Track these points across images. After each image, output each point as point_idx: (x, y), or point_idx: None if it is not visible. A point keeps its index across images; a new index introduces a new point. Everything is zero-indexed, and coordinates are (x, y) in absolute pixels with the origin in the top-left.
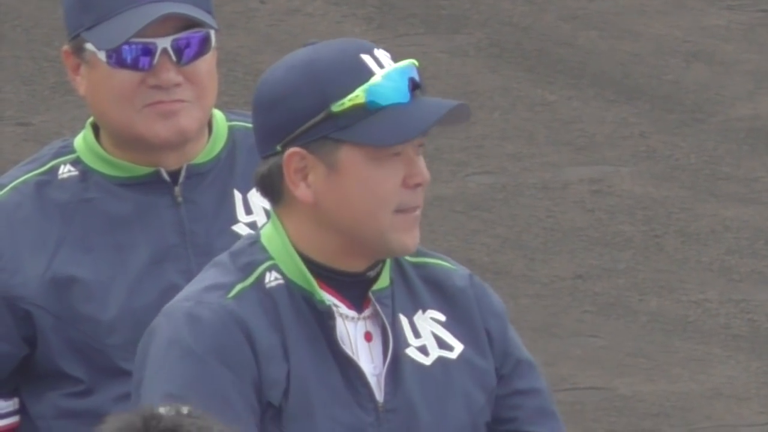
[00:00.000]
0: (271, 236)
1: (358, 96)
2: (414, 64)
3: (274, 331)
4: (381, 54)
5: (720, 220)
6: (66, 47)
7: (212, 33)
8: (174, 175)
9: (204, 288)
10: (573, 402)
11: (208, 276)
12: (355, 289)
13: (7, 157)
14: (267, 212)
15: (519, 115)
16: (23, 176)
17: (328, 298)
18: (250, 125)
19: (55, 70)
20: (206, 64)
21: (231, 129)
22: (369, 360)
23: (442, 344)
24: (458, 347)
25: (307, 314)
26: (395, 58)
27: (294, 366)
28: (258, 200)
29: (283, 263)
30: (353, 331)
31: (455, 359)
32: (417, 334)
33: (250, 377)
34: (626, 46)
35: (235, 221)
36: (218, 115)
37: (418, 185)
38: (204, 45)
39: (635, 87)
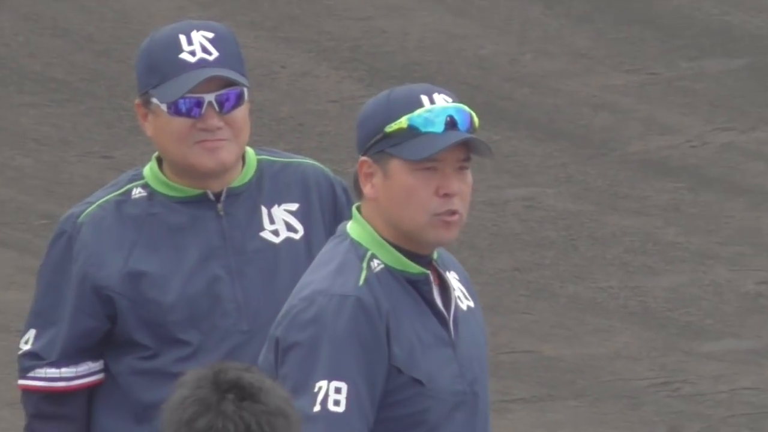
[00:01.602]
0: (359, 232)
1: (401, 122)
2: (462, 107)
3: (390, 306)
4: (438, 96)
5: (620, 228)
6: (137, 100)
7: (245, 90)
8: (217, 195)
9: (333, 283)
10: (512, 362)
11: (327, 274)
12: (424, 263)
13: (94, 182)
14: (286, 222)
15: None
16: (106, 196)
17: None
18: (273, 158)
19: (130, 117)
20: (241, 112)
21: (259, 161)
22: (444, 311)
23: (466, 297)
24: (471, 301)
25: (407, 286)
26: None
27: (406, 329)
28: (279, 213)
29: (378, 251)
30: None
31: (474, 307)
32: (455, 288)
33: (382, 360)
34: (551, 99)
35: (262, 229)
36: (249, 151)
37: (446, 195)
38: (239, 99)
39: (557, 130)
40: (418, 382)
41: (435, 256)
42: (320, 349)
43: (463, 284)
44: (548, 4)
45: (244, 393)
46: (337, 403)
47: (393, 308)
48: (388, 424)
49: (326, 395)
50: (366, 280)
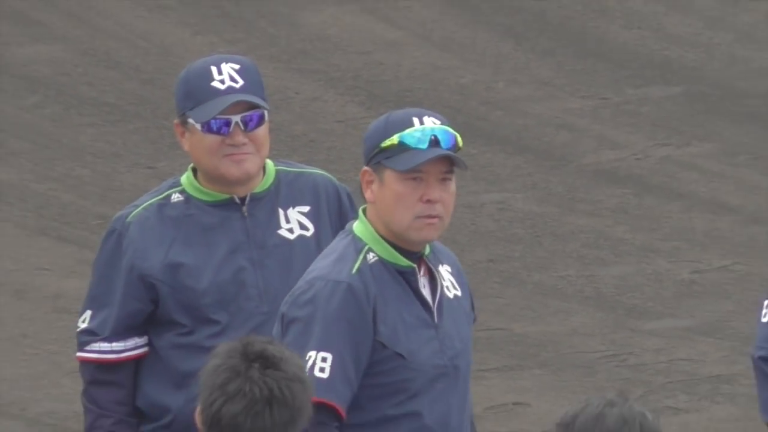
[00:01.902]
0: (361, 230)
1: (394, 139)
2: (446, 129)
3: (378, 291)
4: (428, 119)
5: (577, 226)
6: (176, 121)
7: (266, 112)
8: (242, 199)
9: (331, 271)
10: (487, 338)
11: (328, 263)
12: (414, 258)
13: (140, 188)
14: (299, 222)
15: None
16: (149, 200)
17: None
18: (289, 169)
19: (170, 135)
20: (263, 130)
21: (277, 171)
22: (429, 298)
23: (455, 287)
24: (460, 290)
25: (397, 276)
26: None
27: (392, 311)
28: (293, 215)
29: (374, 246)
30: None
31: (461, 296)
32: (445, 279)
33: (367, 336)
34: (519, 120)
35: (279, 227)
36: (269, 162)
37: (429, 201)
38: (261, 119)
39: (525, 145)
40: (400, 355)
41: (427, 251)
42: (313, 326)
43: (455, 276)
44: (518, 41)
45: (267, 362)
46: (322, 370)
47: (381, 293)
48: (375, 389)
49: (314, 363)
50: (359, 269)
